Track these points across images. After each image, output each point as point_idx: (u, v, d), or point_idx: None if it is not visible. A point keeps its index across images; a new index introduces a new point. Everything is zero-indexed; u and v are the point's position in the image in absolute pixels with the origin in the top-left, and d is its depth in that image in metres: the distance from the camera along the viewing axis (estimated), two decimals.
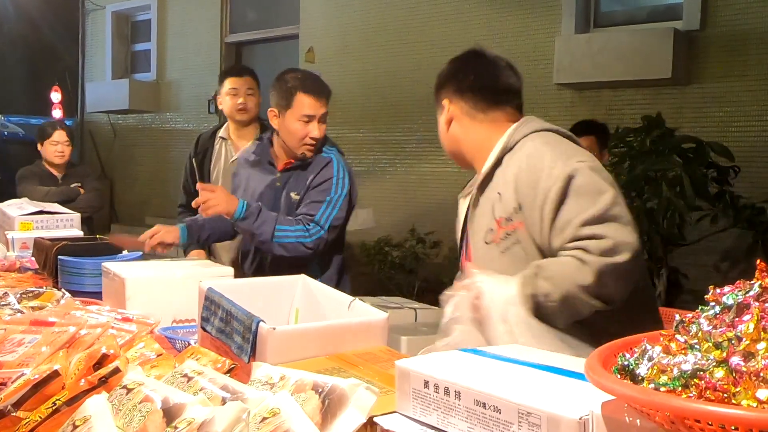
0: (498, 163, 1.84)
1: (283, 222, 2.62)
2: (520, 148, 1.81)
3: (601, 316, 1.67)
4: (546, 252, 1.73)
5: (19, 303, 1.96)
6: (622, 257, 1.62)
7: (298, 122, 2.64)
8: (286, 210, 2.72)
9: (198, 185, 2.57)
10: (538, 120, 1.89)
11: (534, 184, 1.71)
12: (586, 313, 1.65)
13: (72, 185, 4.88)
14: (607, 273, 1.61)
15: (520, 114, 1.93)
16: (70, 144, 4.99)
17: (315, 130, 2.66)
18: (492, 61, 1.95)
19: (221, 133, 3.52)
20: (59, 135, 4.90)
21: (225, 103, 3.46)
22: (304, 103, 2.64)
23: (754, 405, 0.72)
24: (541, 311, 1.62)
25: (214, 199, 2.50)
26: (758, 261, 0.88)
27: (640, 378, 0.83)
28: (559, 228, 1.68)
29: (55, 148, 4.88)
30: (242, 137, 3.45)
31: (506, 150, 1.83)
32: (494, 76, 1.93)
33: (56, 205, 3.65)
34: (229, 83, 3.44)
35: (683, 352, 0.82)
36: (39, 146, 4.95)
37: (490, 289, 1.62)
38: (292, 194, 2.72)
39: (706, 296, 0.88)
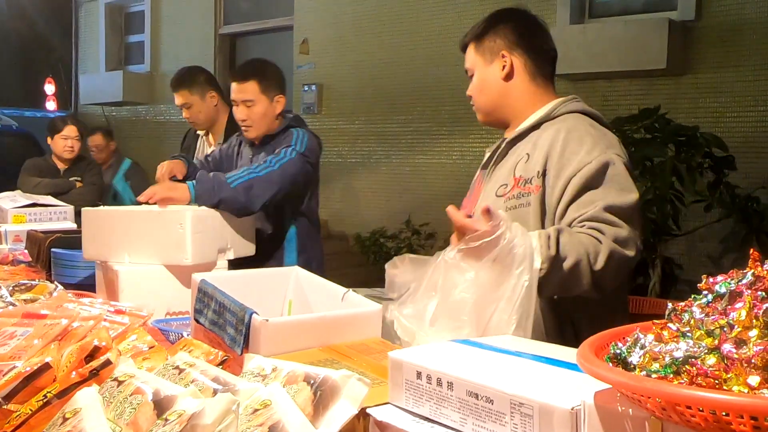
0: (536, 126, 1.88)
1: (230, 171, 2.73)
2: (562, 120, 1.85)
3: (573, 302, 1.73)
4: (546, 224, 1.76)
5: (11, 295, 1.95)
6: (630, 252, 1.69)
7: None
8: None
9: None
10: (583, 103, 1.93)
11: (570, 156, 1.75)
12: (577, 291, 1.66)
13: (71, 179, 4.90)
14: (613, 259, 1.65)
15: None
16: (80, 139, 5.02)
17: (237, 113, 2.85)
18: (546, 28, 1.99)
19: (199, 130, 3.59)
20: (70, 130, 4.92)
21: None
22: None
23: (745, 391, 0.72)
24: (543, 273, 1.55)
25: (160, 191, 2.48)
26: (751, 250, 0.88)
27: (632, 366, 0.83)
28: (583, 203, 1.71)
29: (65, 143, 4.91)
30: (214, 132, 3.52)
31: (548, 117, 1.88)
32: (553, 46, 1.97)
33: (49, 197, 3.65)
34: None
35: (675, 339, 0.81)
36: (48, 140, 4.97)
37: (519, 237, 1.47)
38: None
39: (699, 285, 0.88)
